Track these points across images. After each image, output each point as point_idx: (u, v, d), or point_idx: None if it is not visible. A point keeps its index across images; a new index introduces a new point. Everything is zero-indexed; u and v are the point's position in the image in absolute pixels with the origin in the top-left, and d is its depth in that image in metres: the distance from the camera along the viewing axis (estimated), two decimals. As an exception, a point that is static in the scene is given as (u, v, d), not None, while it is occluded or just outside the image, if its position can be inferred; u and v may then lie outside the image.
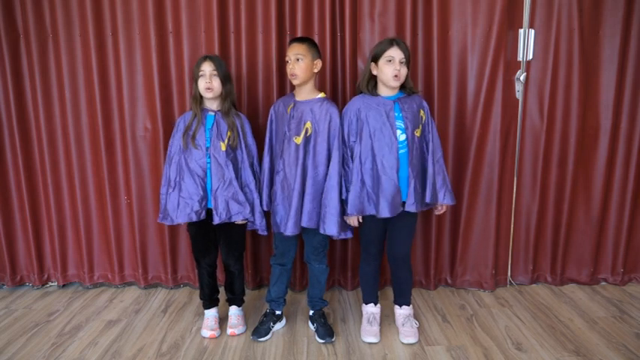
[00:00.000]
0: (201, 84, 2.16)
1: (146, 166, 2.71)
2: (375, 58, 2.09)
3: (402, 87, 2.14)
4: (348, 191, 2.10)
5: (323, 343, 2.23)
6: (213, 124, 2.19)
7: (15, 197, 2.80)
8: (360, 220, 2.16)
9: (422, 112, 2.17)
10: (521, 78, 2.62)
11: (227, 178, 2.16)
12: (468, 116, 2.63)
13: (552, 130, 2.67)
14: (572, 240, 2.81)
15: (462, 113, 2.63)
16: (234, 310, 2.39)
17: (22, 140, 2.71)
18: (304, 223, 2.10)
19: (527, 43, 2.59)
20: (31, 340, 2.29)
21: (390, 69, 2.05)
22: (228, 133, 2.19)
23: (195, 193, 2.16)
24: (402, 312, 2.32)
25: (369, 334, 2.25)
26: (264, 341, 2.26)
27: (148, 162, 2.70)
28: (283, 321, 2.40)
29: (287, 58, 2.13)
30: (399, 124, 2.09)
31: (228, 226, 2.24)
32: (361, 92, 2.17)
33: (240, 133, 2.23)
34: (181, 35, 2.57)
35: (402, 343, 2.22)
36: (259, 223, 2.25)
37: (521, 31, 2.58)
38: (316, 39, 2.48)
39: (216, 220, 2.15)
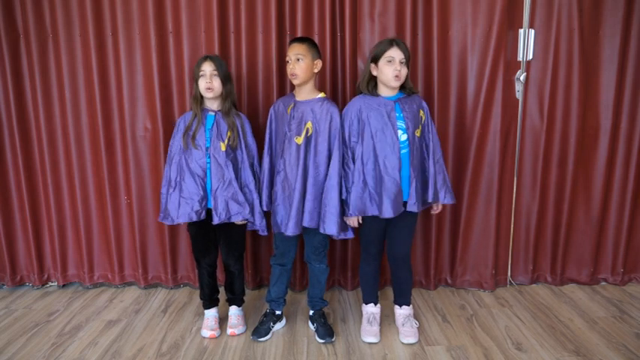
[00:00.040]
0: (202, 84, 2.16)
1: (146, 166, 2.71)
2: (375, 59, 2.09)
3: (402, 87, 2.14)
4: (348, 192, 2.10)
5: (323, 343, 2.23)
6: (213, 124, 2.19)
7: (15, 197, 2.80)
8: (360, 221, 2.16)
9: (421, 112, 2.17)
10: (521, 78, 2.62)
11: (227, 179, 2.16)
12: (468, 116, 2.63)
13: (552, 130, 2.67)
14: (572, 240, 2.81)
15: (462, 113, 2.63)
16: (234, 310, 2.39)
17: (22, 140, 2.71)
18: (306, 223, 2.10)
19: (527, 43, 2.59)
20: (31, 340, 2.29)
21: (391, 69, 2.05)
22: (228, 134, 2.19)
23: (195, 193, 2.16)
24: (402, 312, 2.32)
25: (369, 334, 2.25)
26: (264, 341, 2.26)
27: (148, 162, 2.70)
28: (283, 321, 2.40)
29: (287, 58, 2.13)
30: (400, 124, 2.09)
31: (229, 227, 2.24)
32: (361, 93, 2.17)
33: (241, 133, 2.23)
34: (181, 35, 2.57)
35: (402, 343, 2.22)
36: (259, 224, 2.25)
37: (521, 31, 2.58)
38: (316, 39, 2.48)
39: (215, 221, 2.15)
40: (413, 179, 2.08)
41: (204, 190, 2.18)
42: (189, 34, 2.56)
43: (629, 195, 2.73)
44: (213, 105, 2.23)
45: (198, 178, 2.17)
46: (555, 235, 2.79)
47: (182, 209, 2.15)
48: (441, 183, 2.16)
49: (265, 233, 2.29)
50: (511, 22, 2.56)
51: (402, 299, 2.33)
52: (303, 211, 2.10)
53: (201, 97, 2.21)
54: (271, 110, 2.29)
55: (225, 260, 2.36)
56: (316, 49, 2.15)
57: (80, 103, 2.67)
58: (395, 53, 2.05)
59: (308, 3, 2.52)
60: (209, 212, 2.19)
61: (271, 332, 2.30)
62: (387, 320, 2.41)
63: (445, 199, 2.17)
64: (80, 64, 2.62)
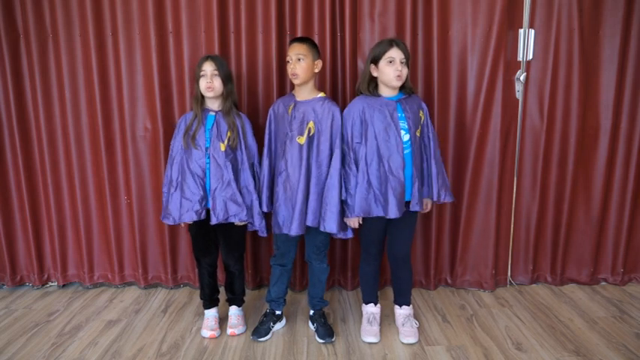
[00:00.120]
0: (203, 84, 2.16)
1: (146, 166, 2.71)
2: (375, 60, 2.09)
3: (402, 87, 2.14)
4: (348, 193, 2.09)
5: (323, 343, 2.23)
6: (213, 124, 2.19)
7: (15, 197, 2.80)
8: (360, 222, 2.16)
9: (421, 112, 2.18)
10: (521, 78, 2.62)
11: (226, 179, 2.16)
12: (468, 116, 2.63)
13: (552, 130, 2.67)
14: (572, 240, 2.81)
15: (462, 113, 2.63)
16: (234, 310, 2.39)
17: (22, 140, 2.71)
18: (309, 223, 2.10)
19: (527, 43, 2.59)
20: (31, 340, 2.29)
21: (392, 70, 2.05)
22: (228, 134, 2.19)
23: (195, 193, 2.16)
24: (402, 312, 2.32)
25: (369, 334, 2.25)
26: (264, 341, 2.26)
27: (148, 162, 2.70)
28: (283, 321, 2.40)
29: (288, 58, 2.13)
30: (403, 124, 2.09)
31: (228, 227, 2.24)
32: (361, 94, 2.17)
33: (241, 133, 2.23)
34: (181, 35, 2.57)
35: (402, 343, 2.22)
36: (259, 225, 2.24)
37: (521, 31, 2.58)
38: (316, 39, 2.48)
39: (213, 221, 2.15)
40: (415, 179, 2.09)
41: (204, 190, 2.18)
42: (189, 34, 2.56)
43: (629, 195, 2.73)
44: (213, 105, 2.23)
45: (198, 178, 2.17)
46: (555, 235, 2.79)
47: (184, 209, 2.15)
48: (441, 182, 2.17)
49: (265, 234, 2.29)
50: (511, 22, 2.56)
51: (402, 299, 2.33)
52: (306, 212, 2.10)
53: (202, 97, 2.21)
54: (270, 111, 2.29)
55: (225, 260, 2.36)
56: (316, 50, 2.15)
57: (80, 103, 2.67)
58: (395, 54, 2.05)
59: (308, 3, 2.52)
60: (209, 212, 2.19)
61: (271, 332, 2.30)
62: (387, 320, 2.41)
63: (445, 198, 2.18)
64: (80, 64, 2.62)
